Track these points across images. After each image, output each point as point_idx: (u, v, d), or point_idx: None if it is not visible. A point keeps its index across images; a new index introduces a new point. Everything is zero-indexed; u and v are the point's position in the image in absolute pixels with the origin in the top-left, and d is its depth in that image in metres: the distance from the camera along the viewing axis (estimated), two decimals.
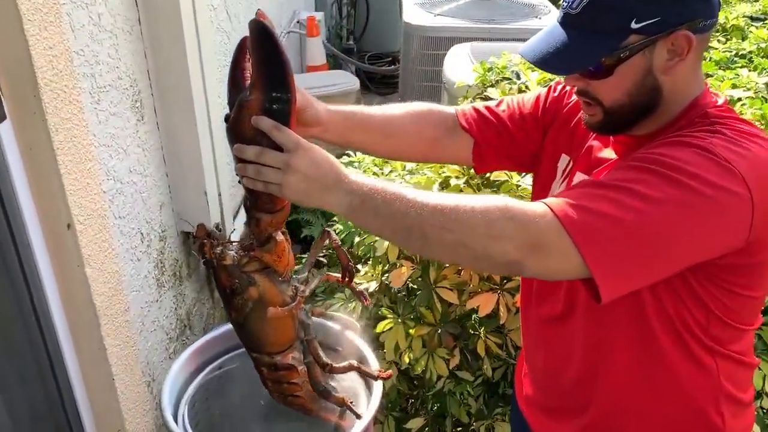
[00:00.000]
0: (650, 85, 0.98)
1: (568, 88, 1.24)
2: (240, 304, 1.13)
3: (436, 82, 4.11)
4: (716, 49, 2.32)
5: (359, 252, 1.87)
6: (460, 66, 3.33)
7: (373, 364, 1.38)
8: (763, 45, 2.25)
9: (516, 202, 0.91)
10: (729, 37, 2.55)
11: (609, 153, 1.10)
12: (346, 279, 1.26)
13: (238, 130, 0.96)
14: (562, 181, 1.18)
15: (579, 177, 1.14)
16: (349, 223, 1.89)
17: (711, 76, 1.95)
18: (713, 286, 0.99)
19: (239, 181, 1.01)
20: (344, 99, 3.78)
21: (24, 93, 1.34)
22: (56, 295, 1.58)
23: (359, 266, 1.86)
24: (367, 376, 1.20)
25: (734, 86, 1.80)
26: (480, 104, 1.32)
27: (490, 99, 2.06)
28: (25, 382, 1.60)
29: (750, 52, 2.26)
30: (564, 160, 1.20)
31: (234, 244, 1.14)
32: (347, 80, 3.88)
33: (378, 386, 1.31)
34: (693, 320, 1.03)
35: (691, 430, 1.12)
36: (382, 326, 1.73)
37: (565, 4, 0.99)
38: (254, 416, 1.34)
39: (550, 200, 0.91)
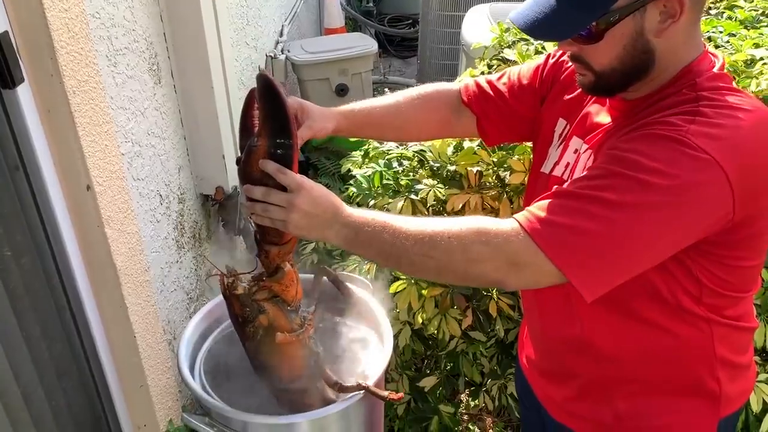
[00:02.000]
0: (642, 48, 0.96)
1: (566, 56, 1.23)
2: (251, 332, 1.22)
3: (455, 44, 4.06)
4: (741, 8, 2.25)
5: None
6: (478, 27, 3.29)
7: (386, 328, 1.40)
8: None
9: (489, 222, 0.95)
10: None
11: (604, 118, 1.10)
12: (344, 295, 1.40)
13: (247, 172, 1.08)
14: (559, 145, 1.18)
15: (575, 141, 1.14)
16: (363, 185, 1.91)
17: (734, 35, 1.91)
18: (705, 260, 0.99)
19: (248, 217, 1.13)
20: (363, 62, 3.76)
21: (41, 55, 1.36)
22: (78, 256, 1.62)
23: None
24: (376, 397, 1.25)
25: (757, 45, 1.75)
26: (482, 78, 1.34)
27: (508, 60, 2.04)
28: (51, 339, 1.65)
29: None
30: (561, 124, 1.20)
31: (247, 275, 1.24)
32: (365, 43, 3.84)
33: (389, 340, 1.34)
34: (684, 292, 1.03)
35: (687, 395, 1.12)
36: (395, 287, 1.76)
37: None
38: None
39: (521, 216, 0.94)
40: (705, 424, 1.14)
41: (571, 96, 1.16)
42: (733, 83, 1.02)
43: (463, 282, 1.09)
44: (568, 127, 1.18)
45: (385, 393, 1.26)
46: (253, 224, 1.20)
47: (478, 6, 3.62)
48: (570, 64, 1.21)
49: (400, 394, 1.30)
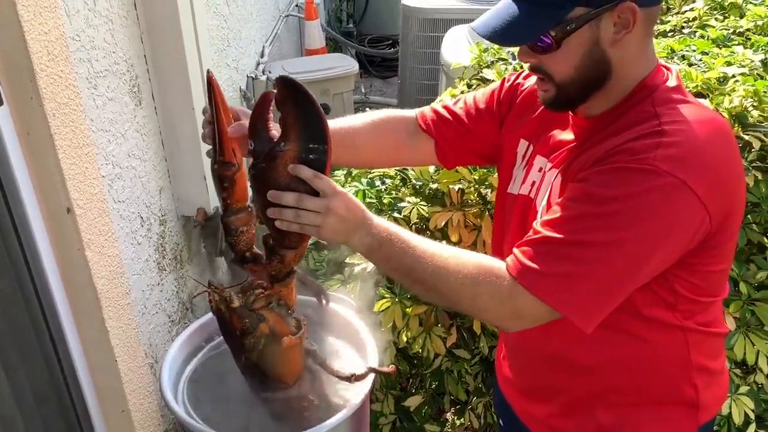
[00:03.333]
0: (598, 57, 0.99)
1: (521, 78, 1.29)
2: (252, 344, 1.20)
3: (435, 65, 4.10)
4: (713, 27, 2.31)
5: None
6: (457, 48, 3.33)
7: (370, 344, 1.40)
8: (760, 23, 2.24)
9: (494, 269, 1.00)
10: (727, 15, 2.54)
11: (567, 135, 1.13)
12: (323, 302, 1.39)
13: (271, 178, 1.03)
14: (524, 166, 1.21)
15: (539, 160, 1.17)
16: None
17: (707, 53, 1.95)
18: (680, 269, 1.02)
19: (261, 222, 1.10)
20: (343, 82, 3.78)
21: (21, 78, 1.35)
22: (58, 279, 1.60)
23: None
24: (383, 373, 1.27)
25: (729, 63, 1.80)
26: (438, 104, 1.37)
27: (487, 80, 2.07)
28: (30, 364, 1.63)
29: (747, 30, 2.25)
30: (523, 145, 1.23)
31: (233, 289, 1.22)
32: (346, 63, 3.87)
33: (374, 357, 1.33)
34: (660, 301, 1.05)
35: (667, 403, 1.13)
36: (379, 306, 1.76)
37: None
38: (251, 394, 1.36)
39: (513, 268, 0.99)
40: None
41: (531, 117, 1.20)
42: (688, 92, 1.06)
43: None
44: (530, 147, 1.21)
45: (386, 368, 1.30)
46: (228, 242, 1.20)
47: (457, 27, 3.67)
48: (525, 86, 1.26)
49: (392, 367, 1.33)
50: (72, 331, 1.69)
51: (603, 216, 0.94)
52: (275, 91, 1.04)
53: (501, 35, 1.01)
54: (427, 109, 1.37)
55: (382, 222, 1.07)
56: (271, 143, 1.05)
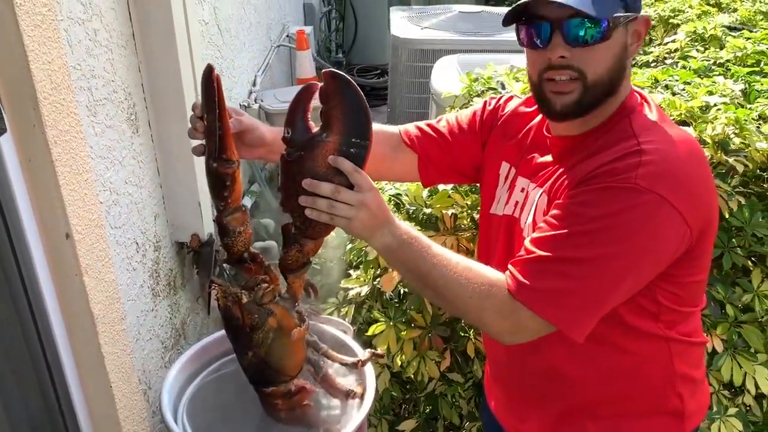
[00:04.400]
0: (622, 64, 1.07)
1: (502, 101, 1.34)
2: (261, 338, 1.20)
3: (424, 94, 4.17)
4: (695, 58, 2.39)
5: (351, 257, 1.92)
6: (447, 77, 3.40)
7: (368, 369, 1.42)
8: (739, 54, 2.33)
9: (500, 284, 1.05)
10: (707, 46, 2.63)
11: (548, 158, 1.19)
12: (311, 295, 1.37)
13: (308, 167, 1.04)
14: (508, 189, 1.25)
15: (521, 181, 1.23)
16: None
17: (689, 83, 2.02)
18: (663, 281, 1.07)
19: (284, 210, 1.10)
20: None
21: (24, 106, 1.38)
22: (55, 304, 1.61)
23: (351, 271, 1.90)
24: (378, 357, 1.29)
25: (710, 93, 1.86)
26: (422, 123, 1.40)
27: None
28: (25, 390, 1.62)
29: (727, 61, 2.33)
30: (504, 167, 1.28)
31: (237, 286, 1.22)
32: None
33: (371, 383, 1.35)
34: (643, 312, 1.10)
35: (654, 414, 1.17)
36: (373, 330, 1.77)
37: None
38: (251, 418, 1.37)
39: (513, 286, 1.04)
40: None
41: (512, 142, 1.25)
42: (662, 112, 1.13)
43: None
44: (512, 169, 1.26)
45: (381, 351, 1.37)
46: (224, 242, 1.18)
47: (447, 57, 3.74)
48: (506, 110, 1.31)
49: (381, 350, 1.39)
50: (68, 356, 1.69)
51: (590, 233, 1.00)
52: (319, 84, 1.05)
53: (580, 2, 1.01)
54: (410, 126, 1.40)
55: (403, 224, 1.10)
56: (309, 133, 1.06)
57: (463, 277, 1.06)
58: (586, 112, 1.10)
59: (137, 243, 2.00)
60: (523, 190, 1.21)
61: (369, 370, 1.41)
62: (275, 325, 1.20)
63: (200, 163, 2.19)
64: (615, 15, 1.02)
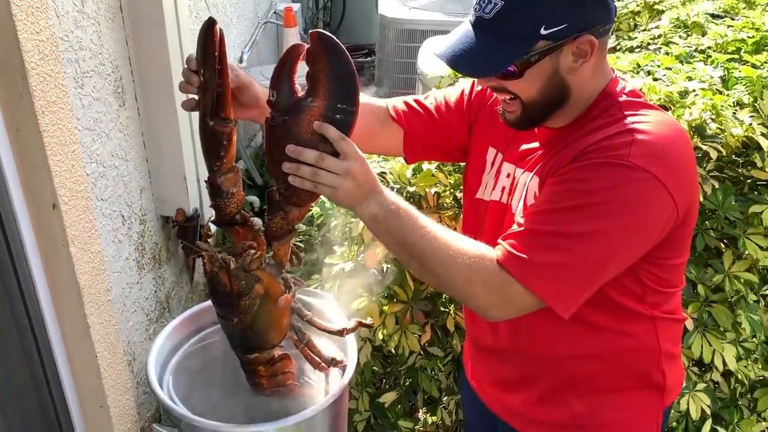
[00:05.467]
0: (558, 83, 1.06)
1: None
2: (248, 305, 1.20)
3: (411, 74, 4.18)
4: (677, 44, 2.42)
5: (336, 233, 1.94)
6: (434, 57, 3.41)
7: (350, 340, 1.45)
8: (720, 41, 2.36)
9: (490, 257, 1.04)
10: (690, 33, 2.66)
11: (534, 144, 1.19)
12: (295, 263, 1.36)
13: (293, 132, 1.01)
14: (495, 175, 1.26)
15: (507, 167, 1.23)
16: (326, 204, 1.97)
17: (670, 69, 2.06)
18: (646, 263, 1.10)
19: (270, 175, 1.07)
20: None
21: (12, 76, 1.39)
22: (42, 274, 1.63)
23: (335, 247, 1.93)
24: (365, 326, 1.31)
25: (690, 78, 1.90)
26: (410, 98, 1.40)
27: None
28: (10, 359, 1.64)
29: (708, 48, 2.36)
30: (491, 152, 1.28)
31: (222, 252, 1.20)
32: None
33: (353, 353, 1.38)
34: (629, 294, 1.13)
35: (637, 389, 1.21)
36: (356, 304, 1.81)
37: (478, 7, 1.04)
38: (235, 387, 1.41)
39: (503, 258, 1.03)
40: (653, 415, 1.23)
41: (498, 127, 1.23)
42: (645, 98, 1.14)
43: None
44: (499, 155, 1.27)
45: (368, 320, 1.35)
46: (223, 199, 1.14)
47: (434, 37, 3.76)
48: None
49: (370, 320, 1.38)
50: (54, 326, 1.71)
51: (583, 208, 1.01)
52: (305, 45, 1.00)
53: (468, 65, 1.06)
54: (398, 101, 1.39)
55: (391, 194, 1.08)
56: (294, 97, 1.02)
57: (452, 249, 1.04)
58: (540, 122, 1.12)
59: (123, 216, 2.01)
60: (509, 175, 1.22)
61: (351, 339, 1.44)
62: (262, 292, 1.19)
63: (186, 138, 2.21)
64: (527, 54, 1.01)
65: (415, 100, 1.38)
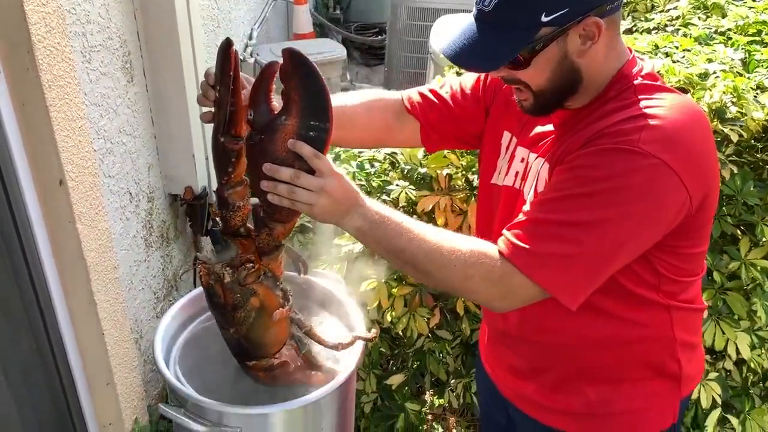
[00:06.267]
0: (568, 68, 1.04)
1: None
2: (243, 317, 1.21)
3: (423, 53, 4.13)
4: (695, 25, 2.37)
5: None
6: (446, 36, 3.35)
7: (358, 321, 1.44)
8: (741, 23, 2.31)
9: (487, 252, 1.02)
10: (709, 14, 2.60)
11: (548, 127, 1.17)
12: (302, 272, 1.39)
13: (269, 151, 1.02)
14: (509, 159, 1.24)
15: (521, 151, 1.21)
16: None
17: (689, 50, 2.01)
18: (661, 252, 1.06)
19: (252, 194, 1.08)
20: (331, 68, 3.79)
21: (18, 49, 1.36)
22: (48, 250, 1.62)
23: None
24: (366, 340, 1.30)
25: (710, 60, 1.86)
26: (425, 88, 1.38)
27: None
28: (18, 335, 1.64)
29: (728, 30, 2.31)
30: (506, 136, 1.26)
31: (220, 264, 1.21)
32: (334, 49, 3.88)
33: (360, 328, 1.37)
34: (643, 283, 1.10)
35: (652, 378, 1.19)
36: (365, 286, 1.79)
37: (478, 1, 1.03)
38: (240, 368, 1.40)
39: (505, 249, 1.01)
40: (669, 405, 1.21)
41: (514, 110, 1.21)
42: (665, 81, 1.11)
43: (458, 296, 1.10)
44: (513, 139, 1.24)
45: (370, 335, 1.34)
46: (221, 206, 1.16)
47: (446, 16, 3.70)
48: None
49: (374, 332, 1.37)
50: (61, 302, 1.70)
51: (591, 195, 0.98)
52: (280, 62, 1.01)
53: (472, 60, 1.03)
54: (413, 92, 1.38)
55: (374, 205, 1.07)
56: (272, 115, 1.03)
57: (445, 248, 1.03)
58: (555, 108, 1.10)
59: (131, 193, 2.00)
60: (522, 160, 1.20)
61: (359, 322, 1.42)
62: (257, 305, 1.20)
63: (195, 116, 2.18)
64: (531, 43, 0.99)
65: (431, 90, 1.36)
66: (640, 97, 1.03)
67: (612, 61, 1.07)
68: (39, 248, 1.58)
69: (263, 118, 1.04)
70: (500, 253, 1.02)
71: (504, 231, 1.05)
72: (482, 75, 1.33)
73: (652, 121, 0.99)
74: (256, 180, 1.05)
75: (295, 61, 1.00)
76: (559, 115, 1.13)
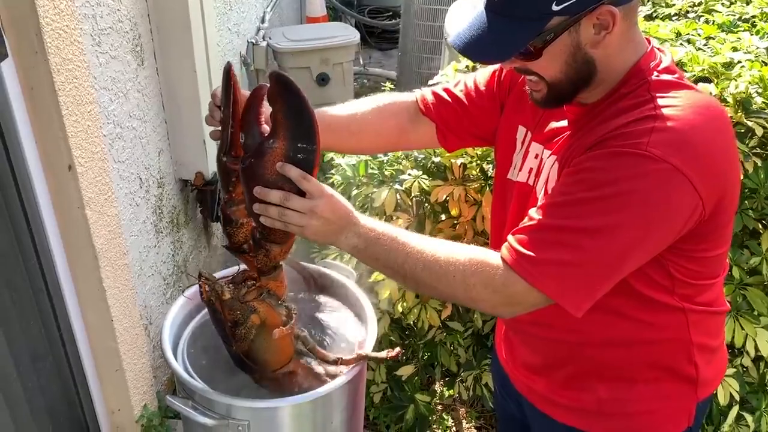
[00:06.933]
0: (582, 59, 1.00)
1: None
2: (243, 334, 1.20)
3: (437, 38, 4.07)
4: (719, 12, 2.31)
5: (357, 204, 1.89)
6: (461, 20, 3.30)
7: (369, 312, 1.42)
8: (766, 10, 2.24)
9: (487, 260, 1.01)
10: (733, 1, 2.53)
11: (563, 123, 1.13)
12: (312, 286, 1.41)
13: (259, 174, 1.03)
14: (523, 155, 1.21)
15: (535, 147, 1.17)
16: (348, 173, 1.91)
17: (713, 38, 1.95)
18: (675, 256, 1.03)
19: (250, 215, 1.09)
20: (344, 52, 3.74)
21: (26, 32, 1.34)
22: (57, 236, 1.60)
23: None
24: (377, 361, 1.27)
25: (734, 49, 1.80)
26: (438, 87, 1.36)
27: None
28: (27, 321, 1.63)
29: (753, 17, 2.24)
30: (521, 131, 1.23)
31: (224, 280, 1.23)
32: (347, 33, 3.83)
33: (372, 328, 1.35)
34: (658, 286, 1.06)
35: (666, 380, 1.15)
36: (376, 276, 1.77)
37: None
38: None
39: (508, 256, 0.99)
40: (684, 408, 1.18)
41: (529, 104, 1.17)
42: (683, 75, 1.05)
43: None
44: (528, 134, 1.21)
45: (383, 354, 1.31)
46: (224, 222, 1.20)
47: (462, 0, 3.63)
48: None
49: (398, 350, 1.34)
50: (70, 288, 1.69)
51: (596, 200, 0.94)
52: (268, 85, 1.03)
53: (482, 51, 1.00)
54: (427, 92, 1.36)
55: (369, 222, 1.07)
56: (261, 138, 1.05)
57: (442, 259, 1.02)
58: (569, 100, 1.06)
59: (141, 178, 1.98)
60: (537, 156, 1.17)
61: (371, 314, 1.40)
62: (258, 322, 1.20)
63: (206, 100, 2.14)
64: (541, 33, 0.95)
65: (444, 89, 1.34)
66: (653, 94, 0.98)
67: (628, 53, 1.03)
68: (48, 234, 1.57)
69: (254, 141, 1.06)
70: (503, 259, 0.99)
71: (509, 236, 1.02)
72: (497, 69, 1.30)
73: (663, 123, 0.94)
74: (249, 203, 1.07)
75: (280, 84, 1.02)
76: (574, 111, 1.09)
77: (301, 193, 1.03)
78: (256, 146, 1.04)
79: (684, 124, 0.94)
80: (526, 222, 1.01)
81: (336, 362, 1.29)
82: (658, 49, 1.06)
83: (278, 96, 1.02)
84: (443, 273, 1.01)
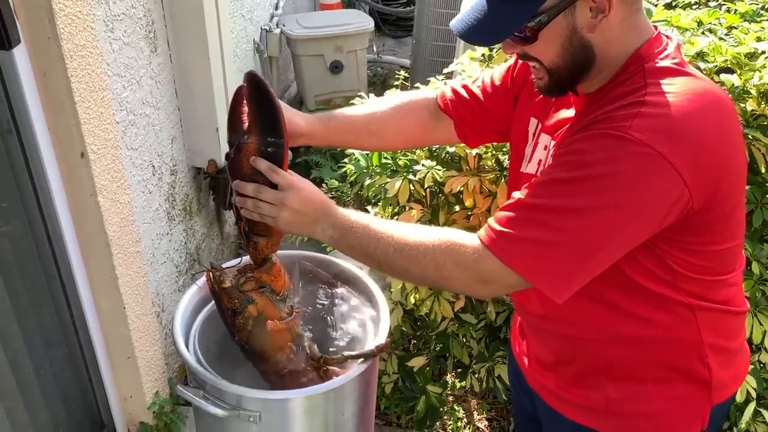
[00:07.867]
0: (578, 43, 0.98)
1: None
2: (242, 323, 1.23)
3: None
4: (742, 1, 2.26)
5: (369, 193, 1.88)
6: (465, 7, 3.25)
7: (381, 302, 1.41)
8: None
9: (459, 239, 1.00)
10: None
11: (570, 113, 1.11)
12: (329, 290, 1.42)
13: (237, 168, 1.10)
14: (533, 146, 1.19)
15: (543, 138, 1.16)
16: (361, 163, 1.90)
17: (735, 28, 1.91)
18: (671, 247, 1.00)
19: (235, 208, 1.15)
20: (358, 39, 3.71)
21: (39, 17, 1.33)
22: (69, 223, 1.60)
23: (369, 207, 1.86)
24: (364, 357, 1.26)
25: (759, 39, 1.76)
26: (458, 83, 1.36)
27: None
28: (40, 309, 1.63)
29: None
30: (533, 123, 1.21)
31: (232, 269, 1.26)
32: (361, 20, 3.79)
33: (385, 321, 1.33)
34: (659, 280, 1.03)
35: (677, 381, 1.12)
36: None
37: None
38: None
39: (483, 234, 0.99)
40: (696, 411, 1.14)
41: (541, 96, 1.17)
42: (688, 64, 1.02)
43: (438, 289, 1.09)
44: (539, 125, 1.20)
45: (366, 350, 1.30)
46: (235, 215, 1.22)
47: None
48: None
49: (387, 341, 1.33)
50: (82, 276, 1.69)
51: (576, 181, 0.93)
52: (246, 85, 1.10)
53: (477, 34, 0.99)
54: (447, 89, 1.36)
55: (344, 212, 1.09)
56: (241, 136, 1.11)
57: (412, 241, 1.02)
58: (570, 87, 1.05)
59: (153, 166, 1.97)
60: (545, 147, 1.15)
61: (384, 307, 1.39)
62: (255, 314, 1.22)
63: (219, 88, 2.14)
64: (536, 14, 0.94)
65: (463, 86, 1.34)
66: (648, 81, 0.96)
67: (629, 39, 1.00)
68: (60, 221, 1.57)
69: (235, 138, 1.12)
70: (480, 239, 0.98)
71: (489, 218, 1.01)
72: (512, 64, 1.29)
73: (649, 108, 0.92)
74: (231, 195, 1.13)
75: (252, 84, 1.09)
76: (579, 100, 1.08)
77: (275, 186, 1.08)
78: (236, 143, 1.11)
79: (673, 111, 0.91)
80: (507, 201, 1.00)
81: (319, 360, 1.30)
82: (666, 36, 1.03)
83: (250, 95, 1.10)
84: (414, 254, 1.02)
